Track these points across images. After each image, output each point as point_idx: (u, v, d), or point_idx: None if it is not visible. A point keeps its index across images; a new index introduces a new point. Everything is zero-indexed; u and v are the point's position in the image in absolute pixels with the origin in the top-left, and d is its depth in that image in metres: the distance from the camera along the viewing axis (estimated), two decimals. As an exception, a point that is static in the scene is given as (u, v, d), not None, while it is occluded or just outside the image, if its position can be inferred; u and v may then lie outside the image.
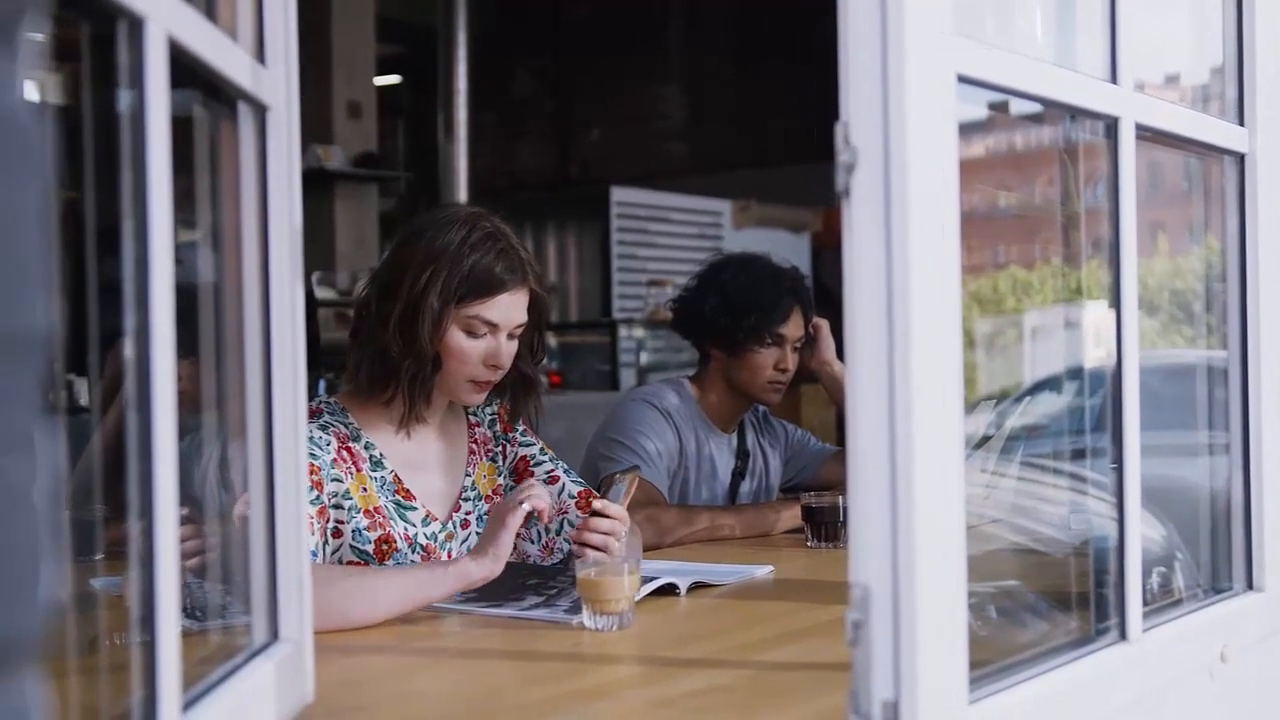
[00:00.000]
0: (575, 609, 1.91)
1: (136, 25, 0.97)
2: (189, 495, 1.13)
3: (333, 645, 1.69)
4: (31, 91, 0.58)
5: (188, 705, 1.08)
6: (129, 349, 0.98)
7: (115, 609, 1.43)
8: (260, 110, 1.32)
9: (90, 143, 1.03)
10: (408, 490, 2.22)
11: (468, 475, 2.33)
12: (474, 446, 2.36)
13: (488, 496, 2.34)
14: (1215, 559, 1.85)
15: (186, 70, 1.09)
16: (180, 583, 1.04)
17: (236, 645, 1.33)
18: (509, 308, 2.19)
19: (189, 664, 1.06)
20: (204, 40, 1.12)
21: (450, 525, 2.27)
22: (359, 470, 2.17)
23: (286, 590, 1.36)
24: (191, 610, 1.33)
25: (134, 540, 1.01)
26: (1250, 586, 1.80)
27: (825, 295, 5.80)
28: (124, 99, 0.99)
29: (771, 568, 2.36)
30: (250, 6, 1.32)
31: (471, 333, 2.18)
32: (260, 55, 1.32)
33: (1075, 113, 1.54)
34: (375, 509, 2.16)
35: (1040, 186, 2.00)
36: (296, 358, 1.37)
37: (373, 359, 2.19)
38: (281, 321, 1.35)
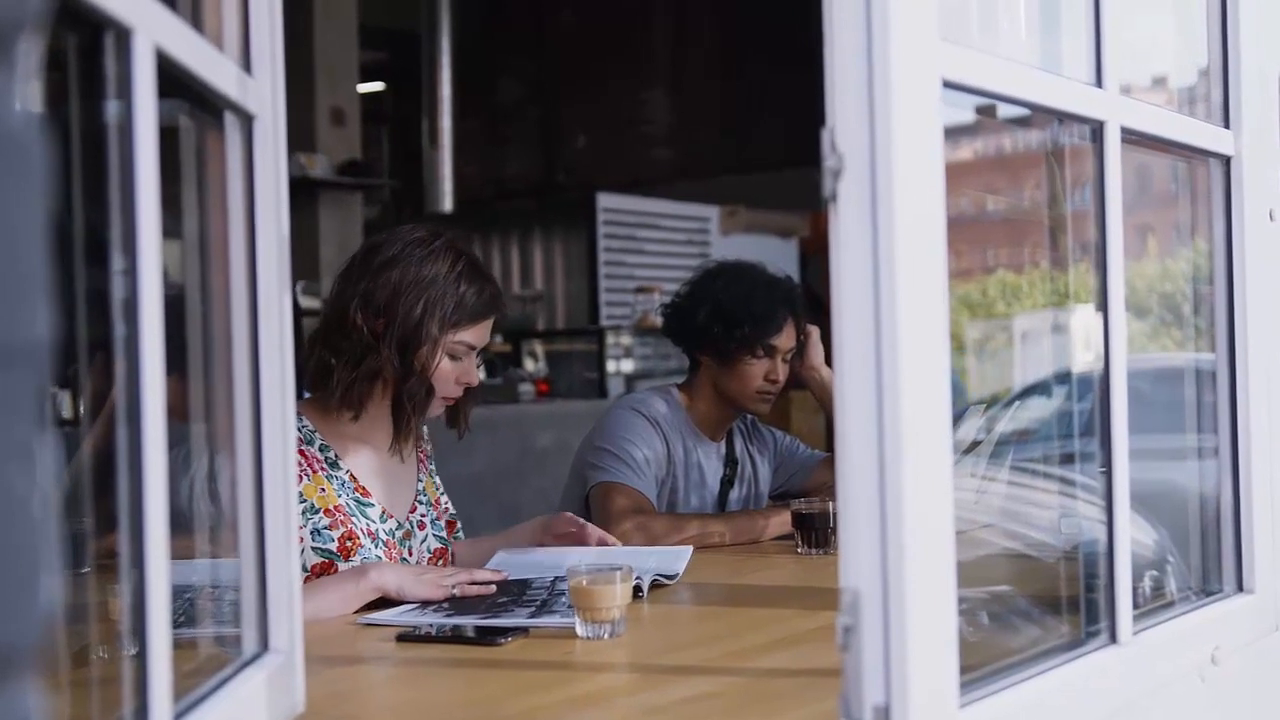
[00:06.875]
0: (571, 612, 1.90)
1: (124, 36, 0.97)
2: (177, 509, 1.13)
3: (323, 656, 1.69)
4: (29, 103, 0.58)
5: (178, 716, 1.07)
6: (118, 361, 0.97)
7: (99, 622, 1.42)
8: (247, 120, 1.32)
9: (76, 152, 1.03)
10: (364, 488, 2.30)
11: (419, 481, 2.43)
12: (422, 457, 2.46)
13: (434, 503, 2.44)
14: (1205, 561, 1.85)
15: (172, 80, 1.09)
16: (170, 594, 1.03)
17: (224, 656, 1.32)
18: (488, 332, 2.33)
19: (177, 675, 1.06)
20: (191, 50, 1.12)
21: (408, 524, 2.36)
22: (315, 472, 2.24)
23: (276, 601, 1.36)
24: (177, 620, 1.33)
25: (124, 552, 1.01)
26: (1240, 589, 1.81)
27: (813, 301, 5.81)
28: (111, 109, 0.99)
29: (690, 549, 2.42)
30: (236, 16, 1.31)
31: (454, 356, 2.28)
32: (247, 65, 1.32)
33: (1061, 117, 1.55)
34: (335, 508, 2.23)
35: (1029, 190, 2.01)
36: (285, 369, 1.36)
37: (364, 379, 2.24)
38: (269, 332, 1.35)
